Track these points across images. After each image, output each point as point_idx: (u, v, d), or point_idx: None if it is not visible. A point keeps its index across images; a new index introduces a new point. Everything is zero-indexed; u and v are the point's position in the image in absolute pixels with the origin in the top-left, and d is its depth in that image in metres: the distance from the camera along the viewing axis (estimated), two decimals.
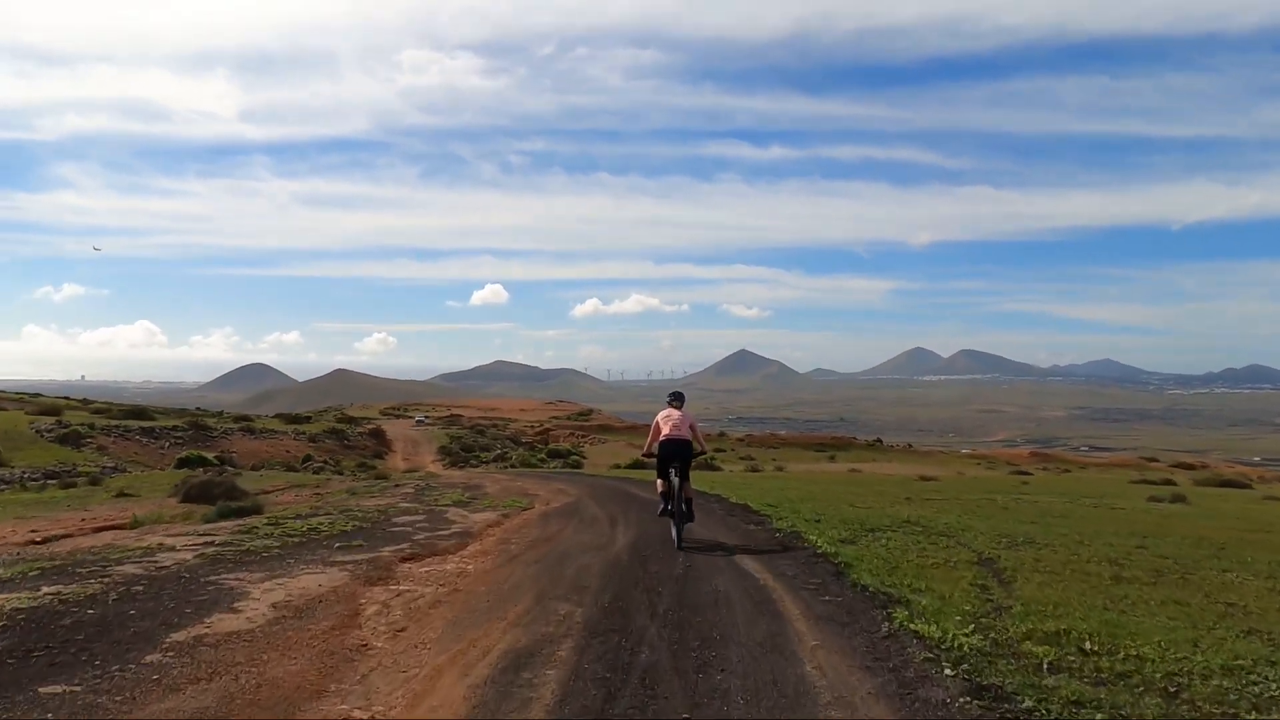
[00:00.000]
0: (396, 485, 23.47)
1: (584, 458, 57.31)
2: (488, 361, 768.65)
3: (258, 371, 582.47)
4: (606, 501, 18.11)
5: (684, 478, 10.65)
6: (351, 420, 52.57)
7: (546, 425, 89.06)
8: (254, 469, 33.06)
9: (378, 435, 49.11)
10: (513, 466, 41.73)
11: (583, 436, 78.25)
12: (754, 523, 13.73)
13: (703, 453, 11.35)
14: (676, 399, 11.63)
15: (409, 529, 12.41)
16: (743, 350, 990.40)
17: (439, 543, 10.98)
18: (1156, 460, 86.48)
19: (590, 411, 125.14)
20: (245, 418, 49.27)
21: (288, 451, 40.30)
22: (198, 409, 58.90)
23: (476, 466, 42.86)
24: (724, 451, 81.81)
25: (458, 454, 47.45)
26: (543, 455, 51.84)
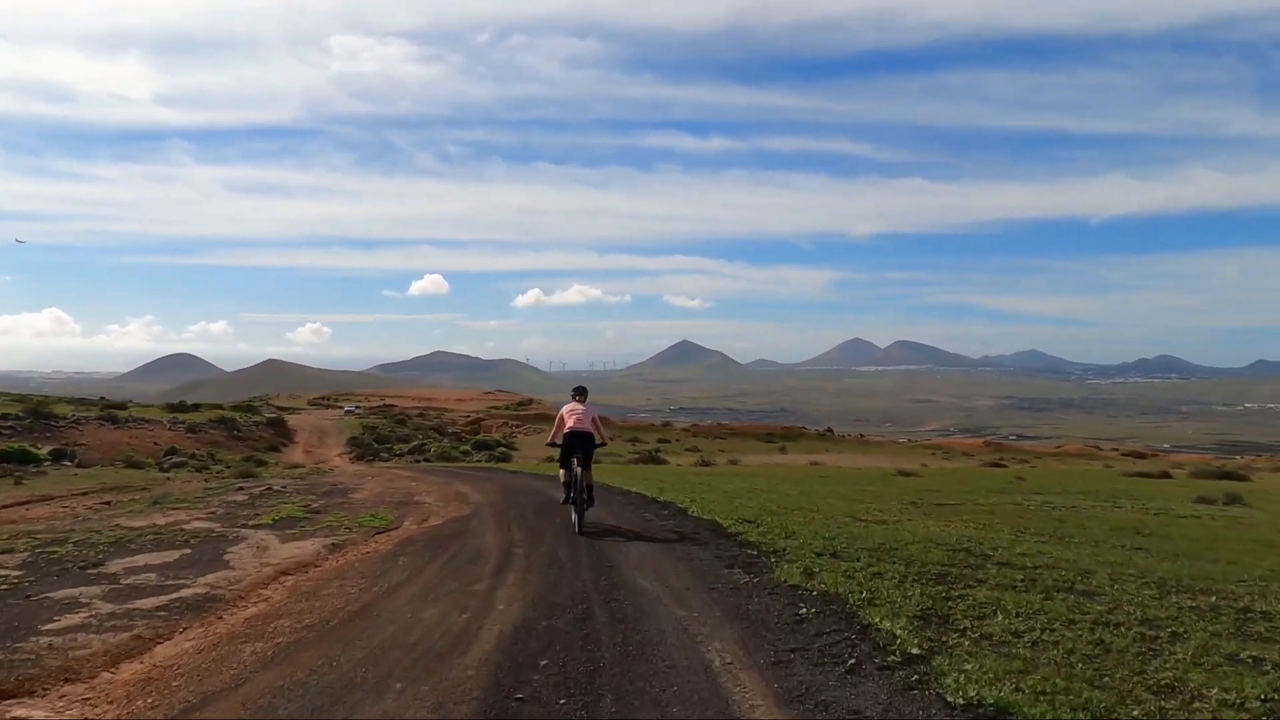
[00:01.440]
0: (242, 488, 17.43)
1: (514, 449, 51.55)
2: (427, 352, 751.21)
3: (183, 361, 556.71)
4: (512, 516, 12.55)
5: (586, 467, 10.87)
6: (250, 409, 45.63)
7: (479, 415, 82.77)
8: (89, 466, 26.43)
9: (277, 425, 42.33)
10: (427, 460, 35.53)
11: (517, 426, 72.21)
12: (746, 566, 8.05)
13: (604, 444, 11.47)
14: (580, 393, 11.64)
15: (86, 602, 6.54)
16: (684, 341, 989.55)
17: (86, 648, 5.16)
18: (1098, 448, 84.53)
19: (530, 401, 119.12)
20: (118, 405, 42.21)
21: (155, 444, 33.52)
22: (102, 398, 51.40)
23: (387, 461, 36.66)
24: (669, 443, 76.66)
25: (369, 446, 41.15)
26: (467, 447, 45.72)
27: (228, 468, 30.59)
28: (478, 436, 52.60)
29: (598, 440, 11.17)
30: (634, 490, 16.89)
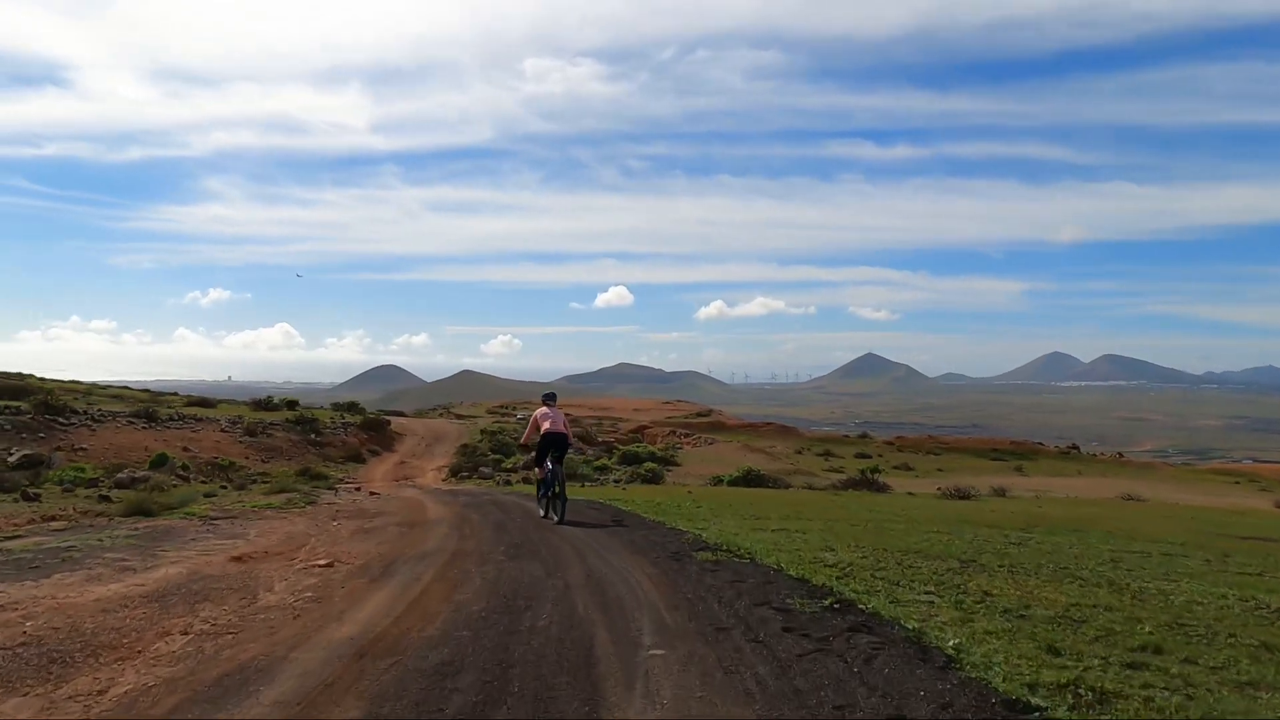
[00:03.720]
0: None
1: (674, 464, 39.28)
2: (611, 364, 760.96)
3: (389, 372, 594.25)
4: None
5: (560, 464, 12.33)
6: (352, 408, 36.46)
7: (644, 423, 71.17)
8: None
9: (374, 429, 32.43)
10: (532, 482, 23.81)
11: (685, 436, 59.87)
12: None
13: (571, 444, 12.92)
14: (550, 399, 13.01)
15: None
16: (869, 353, 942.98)
17: None
18: None
19: (710, 411, 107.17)
20: (201, 403, 34.23)
21: (186, 449, 24.23)
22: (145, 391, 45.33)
23: (489, 477, 25.57)
24: (869, 458, 61.44)
25: (481, 456, 30.30)
26: (607, 461, 33.90)
27: (258, 483, 20.79)
28: (629, 448, 40.50)
29: (569, 441, 12.74)
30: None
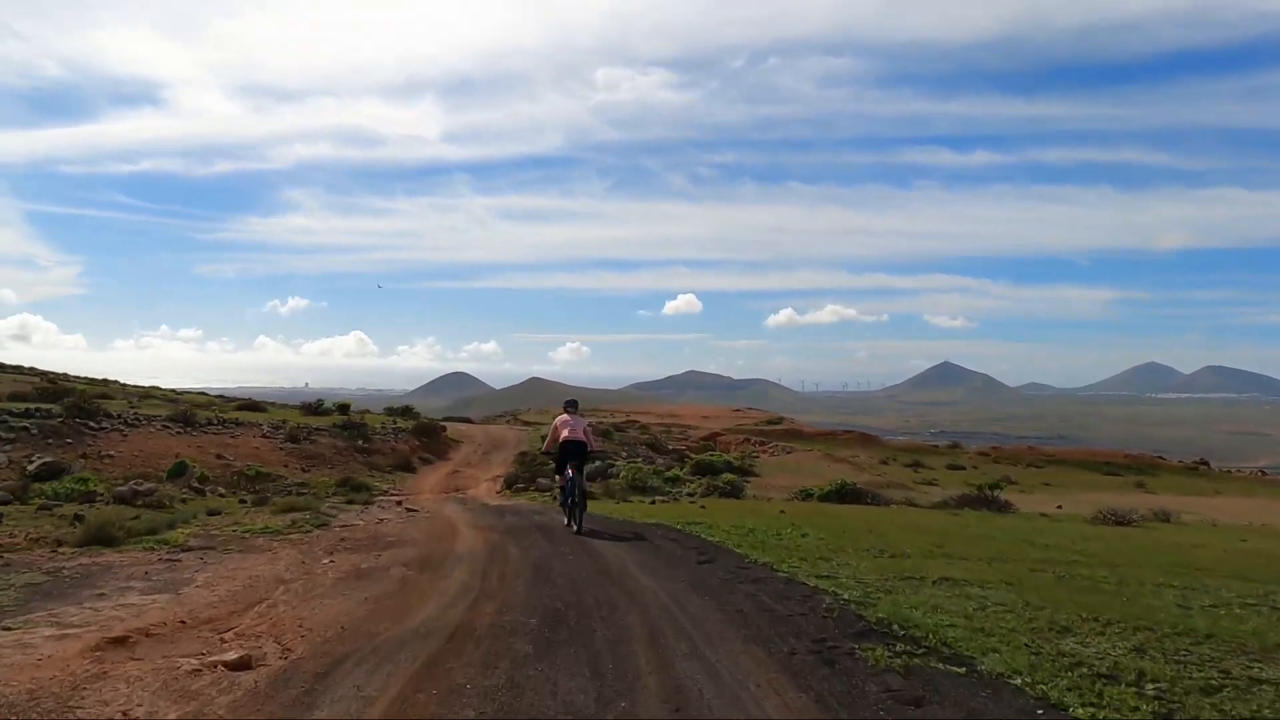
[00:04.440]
0: None
1: (753, 475, 35.63)
2: (680, 371, 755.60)
3: (459, 380, 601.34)
4: None
5: (579, 471, 12.07)
6: (406, 413, 33.95)
7: (716, 431, 67.67)
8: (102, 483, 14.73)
9: (427, 434, 29.78)
10: (598, 496, 20.94)
11: (761, 444, 56.00)
12: None
13: (595, 451, 13.15)
14: (572, 406, 12.96)
15: None
16: (945, 362, 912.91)
17: None
18: None
19: (781, 419, 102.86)
20: (251, 406, 32.26)
21: (219, 456, 21.93)
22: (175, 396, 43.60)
23: (547, 490, 22.29)
24: (963, 469, 56.62)
25: (538, 468, 27.32)
26: (679, 471, 30.51)
27: (288, 496, 18.27)
28: (702, 456, 36.98)
29: (590, 448, 12.48)
30: None
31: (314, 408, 32.19)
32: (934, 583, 7.90)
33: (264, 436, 25.98)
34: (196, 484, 18.10)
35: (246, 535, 11.13)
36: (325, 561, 8.96)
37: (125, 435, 22.85)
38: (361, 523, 13.43)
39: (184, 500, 15.98)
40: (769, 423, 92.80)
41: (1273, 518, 26.13)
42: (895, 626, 5.68)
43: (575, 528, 11.66)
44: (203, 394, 46.14)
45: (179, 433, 24.17)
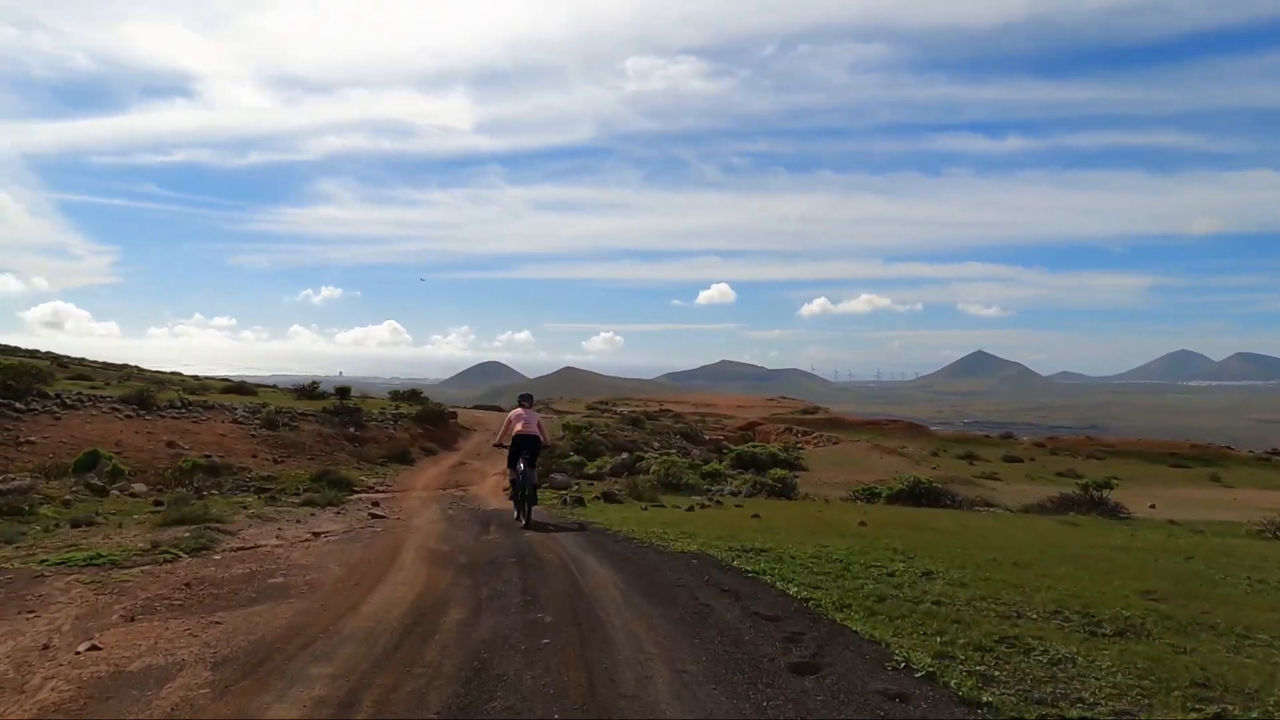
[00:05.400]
0: None
1: (800, 468, 31.23)
2: (713, 361, 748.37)
3: (493, 369, 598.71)
4: None
5: (531, 465, 11.78)
6: (413, 397, 29.96)
7: (754, 420, 63.25)
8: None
9: (432, 420, 25.76)
10: (624, 498, 16.15)
11: (804, 434, 51.31)
12: None
13: (547, 445, 12.82)
14: (527, 400, 12.66)
15: None
16: (979, 351, 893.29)
17: None
18: None
19: (816, 409, 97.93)
20: (147, 388, 28.13)
21: (173, 445, 17.66)
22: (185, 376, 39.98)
23: (565, 488, 17.61)
24: (1020, 461, 51.45)
25: (554, 459, 23.12)
26: (718, 465, 26.11)
27: (235, 493, 14.49)
28: (743, 448, 32.51)
29: (543, 442, 12.15)
30: None
31: (308, 391, 28.32)
32: None
33: (234, 422, 22.04)
34: (101, 480, 14.06)
35: (57, 566, 7.03)
36: (93, 640, 4.80)
37: (58, 419, 18.99)
38: (275, 542, 9.27)
39: (69, 502, 12.02)
40: (805, 412, 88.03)
41: None
42: None
43: (523, 521, 11.33)
44: (209, 379, 42.68)
45: (129, 416, 20.28)
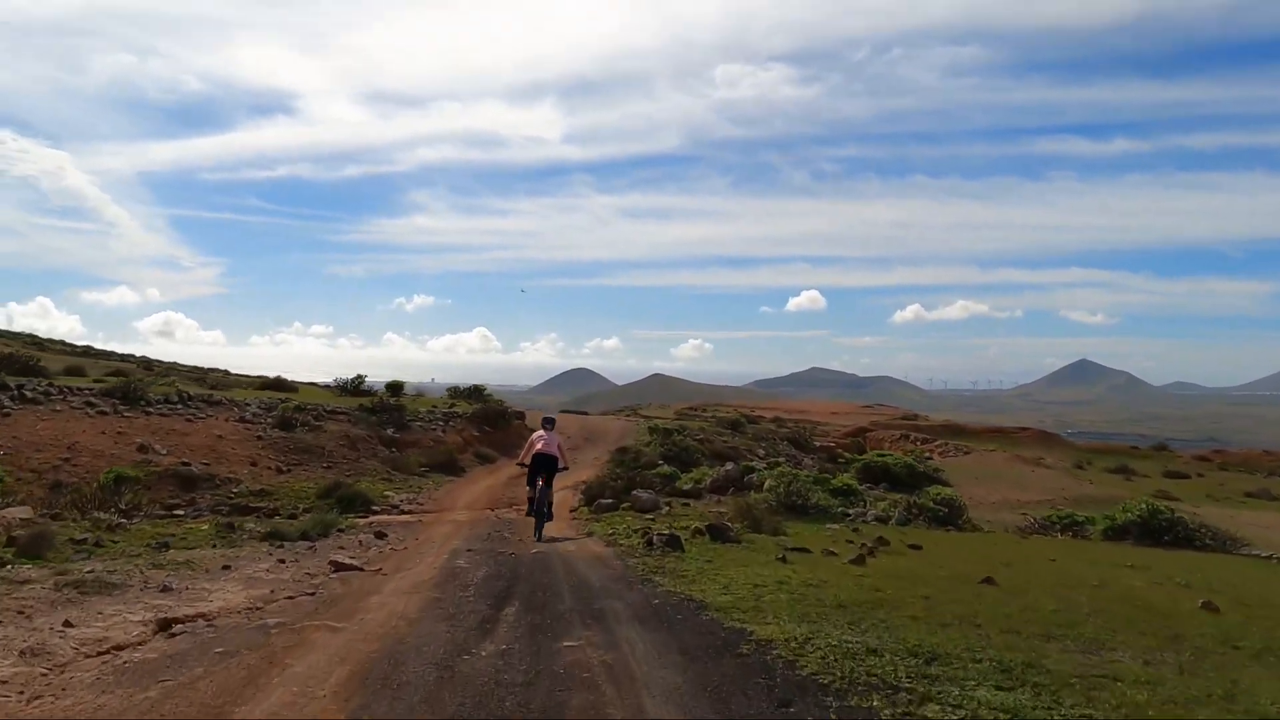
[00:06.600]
0: None
1: (943, 483, 24.85)
2: (803, 368, 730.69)
3: (581, 375, 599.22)
4: None
5: (549, 485, 12.04)
6: (474, 394, 25.15)
7: (863, 425, 56.36)
8: None
9: (492, 421, 20.74)
10: (746, 523, 9.90)
11: (925, 442, 44.19)
12: None
13: (565, 467, 13.00)
14: (549, 423, 13.01)
15: None
16: (1083, 359, 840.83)
17: None
18: None
19: (915, 416, 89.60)
20: (136, 380, 23.80)
21: (145, 449, 12.27)
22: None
23: (652, 514, 11.04)
24: (1187, 478, 42.96)
25: (639, 470, 17.04)
26: (848, 480, 19.83)
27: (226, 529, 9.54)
28: (866, 457, 26.14)
29: (561, 464, 12.46)
30: None
31: (351, 387, 23.81)
32: None
33: (239, 421, 17.50)
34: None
35: None
36: None
37: (8, 414, 14.79)
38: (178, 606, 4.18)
39: None
40: (903, 419, 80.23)
41: None
42: None
43: (537, 537, 11.18)
44: (243, 376, 39.44)
45: (103, 413, 15.96)
